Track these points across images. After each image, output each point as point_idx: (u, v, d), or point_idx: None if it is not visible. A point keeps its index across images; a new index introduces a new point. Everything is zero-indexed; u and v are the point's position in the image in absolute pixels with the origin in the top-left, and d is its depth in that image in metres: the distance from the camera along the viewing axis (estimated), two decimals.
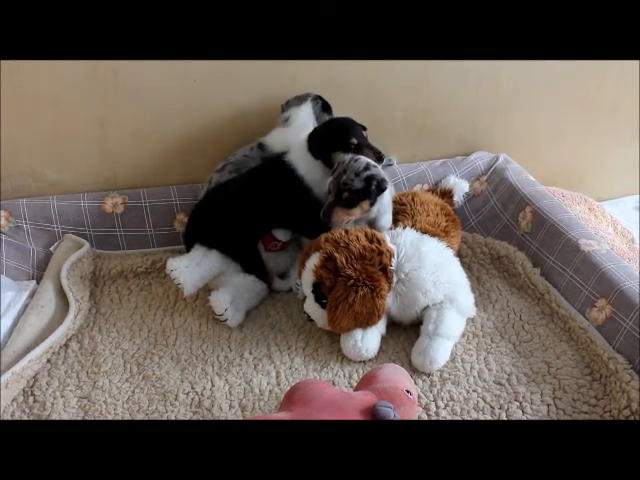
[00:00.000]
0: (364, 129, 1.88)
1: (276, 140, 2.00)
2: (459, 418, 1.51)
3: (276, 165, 1.90)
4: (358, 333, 1.68)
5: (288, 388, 1.47)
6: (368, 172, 1.75)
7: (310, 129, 1.94)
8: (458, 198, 2.19)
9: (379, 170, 1.79)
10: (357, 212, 1.78)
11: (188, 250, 1.89)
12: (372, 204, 1.79)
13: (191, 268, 1.80)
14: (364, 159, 1.78)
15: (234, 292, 1.82)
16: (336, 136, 1.84)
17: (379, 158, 1.84)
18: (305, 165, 1.87)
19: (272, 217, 1.90)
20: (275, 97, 2.05)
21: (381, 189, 1.77)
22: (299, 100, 2.01)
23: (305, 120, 1.99)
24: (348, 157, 1.77)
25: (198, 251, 1.85)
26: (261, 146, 2.01)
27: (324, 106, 2.01)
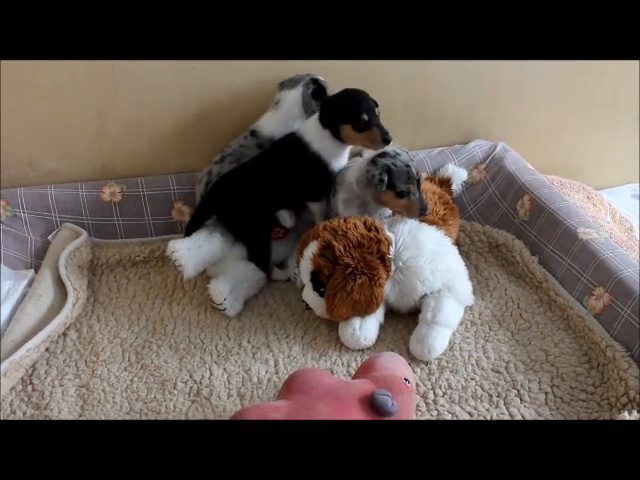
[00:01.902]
0: (376, 105, 1.85)
1: (266, 125, 2.00)
2: (457, 406, 1.51)
3: (287, 136, 1.91)
4: (356, 321, 1.69)
5: (286, 376, 1.47)
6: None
7: (296, 114, 1.95)
8: (456, 186, 2.18)
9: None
10: None
11: (188, 234, 1.88)
12: None
13: (193, 251, 1.79)
14: (396, 149, 1.79)
15: (233, 281, 1.81)
16: (348, 109, 1.81)
17: (385, 140, 1.80)
18: (313, 133, 1.86)
19: (287, 190, 1.90)
20: (273, 82, 2.03)
21: None
22: (293, 83, 1.99)
23: (292, 105, 1.98)
24: (387, 158, 1.76)
25: (201, 234, 1.84)
26: (254, 133, 2.00)
27: (317, 91, 1.97)
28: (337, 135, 1.85)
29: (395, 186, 1.74)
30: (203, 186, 1.99)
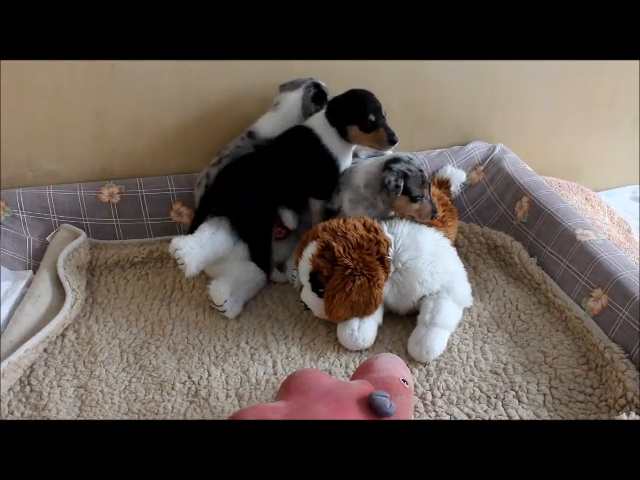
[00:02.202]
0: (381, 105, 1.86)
1: (264, 126, 2.00)
2: (455, 407, 1.51)
3: (295, 128, 1.92)
4: (355, 322, 1.69)
5: (285, 377, 1.47)
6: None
7: (294, 116, 1.95)
8: (455, 188, 2.18)
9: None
10: None
11: (193, 229, 1.87)
12: None
13: (196, 249, 1.78)
14: (408, 155, 1.81)
15: (234, 283, 1.81)
16: (355, 110, 1.83)
17: (391, 141, 1.82)
18: (321, 128, 1.87)
19: (294, 185, 1.89)
20: (273, 84, 2.03)
21: None
22: (294, 85, 1.99)
23: (291, 107, 1.98)
24: (402, 164, 1.77)
25: (204, 232, 1.83)
26: (251, 134, 2.00)
27: (317, 95, 1.98)
28: (344, 135, 1.85)
29: (411, 191, 1.76)
30: (202, 189, 1.99)
